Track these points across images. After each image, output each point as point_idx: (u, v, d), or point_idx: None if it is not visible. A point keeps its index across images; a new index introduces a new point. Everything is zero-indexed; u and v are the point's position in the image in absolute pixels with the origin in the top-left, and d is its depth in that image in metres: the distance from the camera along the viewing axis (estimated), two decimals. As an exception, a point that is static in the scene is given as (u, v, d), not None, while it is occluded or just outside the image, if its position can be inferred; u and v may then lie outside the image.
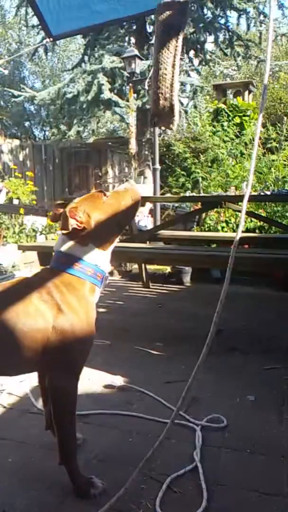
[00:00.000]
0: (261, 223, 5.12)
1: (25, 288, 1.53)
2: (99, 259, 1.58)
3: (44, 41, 3.88)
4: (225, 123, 7.64)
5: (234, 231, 5.32)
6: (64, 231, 1.51)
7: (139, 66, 6.98)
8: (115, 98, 9.07)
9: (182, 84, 9.84)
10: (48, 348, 1.46)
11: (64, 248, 1.56)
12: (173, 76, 2.11)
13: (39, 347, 1.46)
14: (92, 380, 2.45)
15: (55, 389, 1.50)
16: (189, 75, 10.26)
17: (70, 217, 1.49)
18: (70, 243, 1.55)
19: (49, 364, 1.51)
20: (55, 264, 1.58)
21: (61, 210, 1.60)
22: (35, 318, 1.45)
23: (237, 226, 5.31)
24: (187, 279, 5.01)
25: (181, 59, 7.27)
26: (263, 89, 1.64)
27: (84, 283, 1.54)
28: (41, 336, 1.45)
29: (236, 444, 1.84)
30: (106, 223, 1.57)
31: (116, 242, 1.65)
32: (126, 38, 9.90)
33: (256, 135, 1.60)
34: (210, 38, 9.65)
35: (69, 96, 9.44)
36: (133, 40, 9.78)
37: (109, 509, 1.41)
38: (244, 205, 1.67)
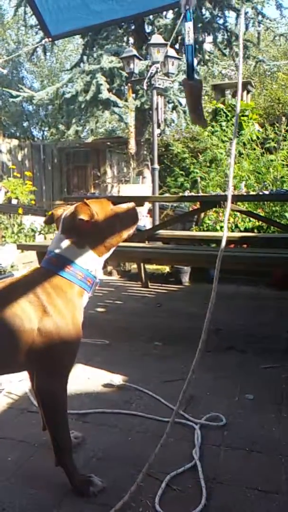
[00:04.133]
0: (260, 222, 5.13)
1: (13, 289, 1.52)
2: (91, 264, 1.57)
3: (43, 41, 3.88)
4: (224, 123, 7.64)
5: (232, 231, 5.33)
6: (82, 217, 1.50)
7: (138, 66, 6.97)
8: (113, 98, 9.08)
9: (181, 84, 9.83)
10: (33, 349, 1.45)
11: (58, 249, 1.56)
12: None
13: (24, 348, 1.45)
14: (91, 379, 2.45)
15: (42, 391, 1.50)
16: (187, 75, 10.25)
17: (86, 205, 1.52)
18: (66, 243, 1.55)
19: (35, 366, 1.51)
20: (46, 264, 1.57)
21: (60, 213, 1.62)
22: (21, 319, 1.44)
23: (236, 226, 5.33)
24: (185, 278, 5.01)
25: (179, 59, 7.20)
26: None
27: (73, 286, 1.53)
28: (26, 337, 1.44)
29: (235, 442, 1.84)
30: (107, 228, 1.59)
31: (110, 253, 1.65)
32: (125, 38, 9.91)
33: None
34: (209, 38, 9.67)
35: (67, 96, 9.44)
36: (131, 40, 9.79)
37: (107, 507, 1.42)
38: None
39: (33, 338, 1.45)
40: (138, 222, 1.73)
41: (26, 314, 1.45)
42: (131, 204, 1.70)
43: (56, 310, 1.48)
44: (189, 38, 2.70)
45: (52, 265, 1.55)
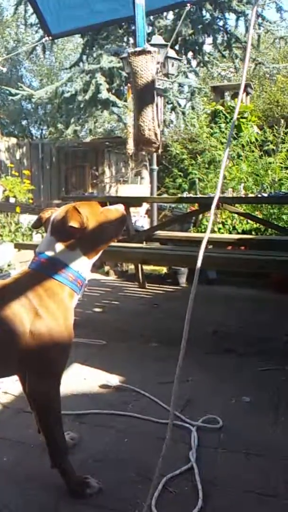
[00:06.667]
0: (258, 225, 5.13)
1: (4, 292, 1.51)
2: (81, 266, 1.57)
3: (43, 40, 3.89)
4: (223, 125, 7.65)
5: (230, 232, 5.33)
6: (72, 224, 1.49)
7: (138, 66, 6.99)
8: (113, 98, 9.06)
9: (180, 85, 9.86)
10: (26, 352, 1.45)
11: (48, 251, 1.54)
12: (154, 116, 2.72)
13: (16, 352, 1.45)
14: (87, 380, 2.45)
15: (36, 394, 1.49)
16: (187, 77, 10.27)
17: (77, 212, 1.51)
18: (57, 245, 1.54)
19: (28, 368, 1.50)
20: (37, 266, 1.55)
21: (48, 216, 1.62)
22: (12, 322, 1.43)
23: (234, 227, 5.34)
24: (183, 280, 5.01)
25: (179, 60, 7.18)
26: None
27: (64, 288, 1.53)
28: (18, 341, 1.43)
29: (232, 445, 1.84)
30: (98, 232, 1.59)
31: (99, 255, 1.65)
32: (125, 38, 9.90)
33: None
34: (209, 40, 9.67)
35: (66, 95, 9.42)
36: (131, 40, 9.77)
37: (104, 509, 1.41)
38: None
39: (26, 341, 1.44)
40: (125, 225, 1.74)
41: (18, 317, 1.44)
42: (119, 206, 1.71)
43: (48, 312, 1.47)
44: None
45: (43, 267, 1.54)
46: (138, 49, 2.77)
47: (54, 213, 1.60)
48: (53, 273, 1.52)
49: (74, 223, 1.50)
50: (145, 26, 2.79)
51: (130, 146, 9.15)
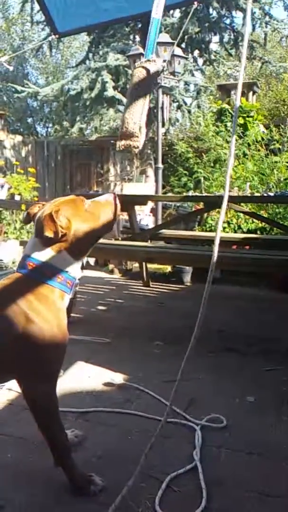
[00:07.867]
0: (263, 224, 5.12)
1: None
2: (69, 266, 1.53)
3: (50, 38, 3.89)
4: (229, 124, 7.63)
5: (235, 231, 5.32)
6: (47, 234, 1.42)
7: (144, 64, 6.98)
8: (118, 96, 9.06)
9: (186, 83, 9.84)
10: (19, 358, 1.44)
11: (34, 253, 1.50)
12: (143, 111, 2.81)
13: (9, 358, 1.44)
14: (91, 378, 2.45)
15: (33, 395, 1.48)
16: (193, 75, 10.25)
17: (51, 220, 1.43)
18: (41, 248, 1.49)
19: (23, 373, 1.48)
20: (24, 270, 1.51)
21: (36, 211, 1.56)
22: (3, 328, 1.42)
23: (239, 227, 5.32)
24: (187, 278, 5.01)
25: (185, 58, 7.20)
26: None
27: (53, 290, 1.50)
28: (11, 347, 1.42)
29: (236, 444, 1.84)
30: (84, 232, 1.52)
31: (88, 253, 1.60)
32: (131, 36, 9.89)
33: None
34: (215, 38, 9.65)
35: (72, 93, 9.43)
36: (138, 38, 9.76)
37: (107, 506, 1.41)
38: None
39: (19, 346, 1.42)
40: (118, 213, 1.63)
41: (9, 323, 1.42)
42: (109, 197, 1.61)
43: (39, 316, 1.45)
44: (157, 12, 2.67)
45: (30, 270, 1.50)
46: (143, 59, 2.79)
47: (39, 212, 1.53)
48: (41, 276, 1.49)
49: (48, 233, 1.42)
50: (156, 39, 2.79)
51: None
